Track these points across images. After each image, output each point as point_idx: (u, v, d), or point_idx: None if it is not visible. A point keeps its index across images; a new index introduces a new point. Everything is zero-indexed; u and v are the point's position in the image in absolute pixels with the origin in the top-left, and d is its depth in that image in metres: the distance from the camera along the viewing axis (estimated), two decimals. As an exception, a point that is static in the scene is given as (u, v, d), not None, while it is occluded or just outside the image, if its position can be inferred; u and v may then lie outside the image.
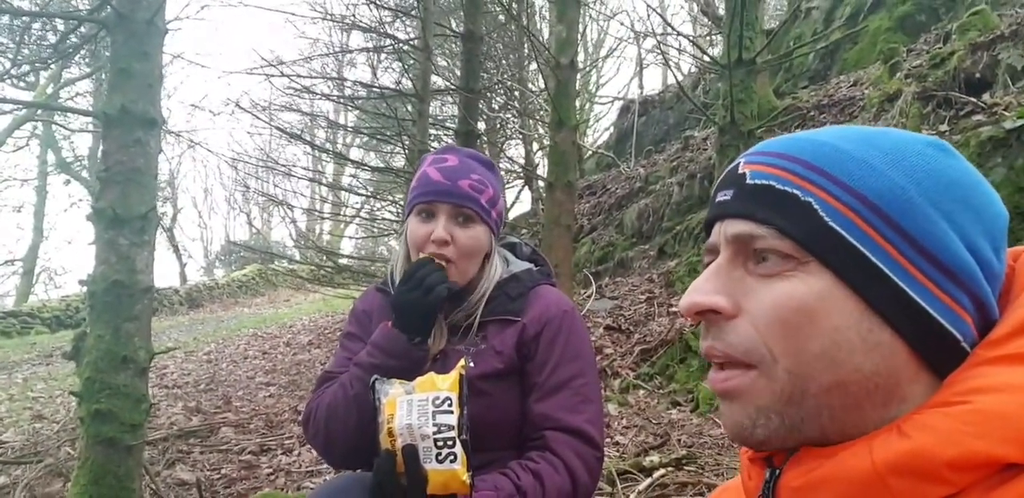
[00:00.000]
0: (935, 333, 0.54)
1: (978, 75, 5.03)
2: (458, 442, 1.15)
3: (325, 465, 3.73)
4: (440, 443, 1.14)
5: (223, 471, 4.11)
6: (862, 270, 0.54)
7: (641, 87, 16.86)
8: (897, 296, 0.54)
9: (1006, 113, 4.10)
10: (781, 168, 0.58)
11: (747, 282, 0.57)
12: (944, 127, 4.57)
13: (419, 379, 1.22)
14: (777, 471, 0.58)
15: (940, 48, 6.08)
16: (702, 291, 0.58)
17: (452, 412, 1.16)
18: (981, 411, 0.48)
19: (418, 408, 1.16)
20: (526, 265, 1.57)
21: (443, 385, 1.19)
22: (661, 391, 4.38)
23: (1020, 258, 0.60)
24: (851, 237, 0.54)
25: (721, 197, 0.61)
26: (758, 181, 0.59)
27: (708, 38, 12.27)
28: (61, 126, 17.88)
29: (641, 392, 4.44)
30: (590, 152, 12.77)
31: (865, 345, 0.54)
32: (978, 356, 0.52)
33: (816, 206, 0.56)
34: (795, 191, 0.57)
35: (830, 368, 0.54)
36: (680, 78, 7.06)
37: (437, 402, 1.17)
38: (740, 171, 0.61)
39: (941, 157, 0.57)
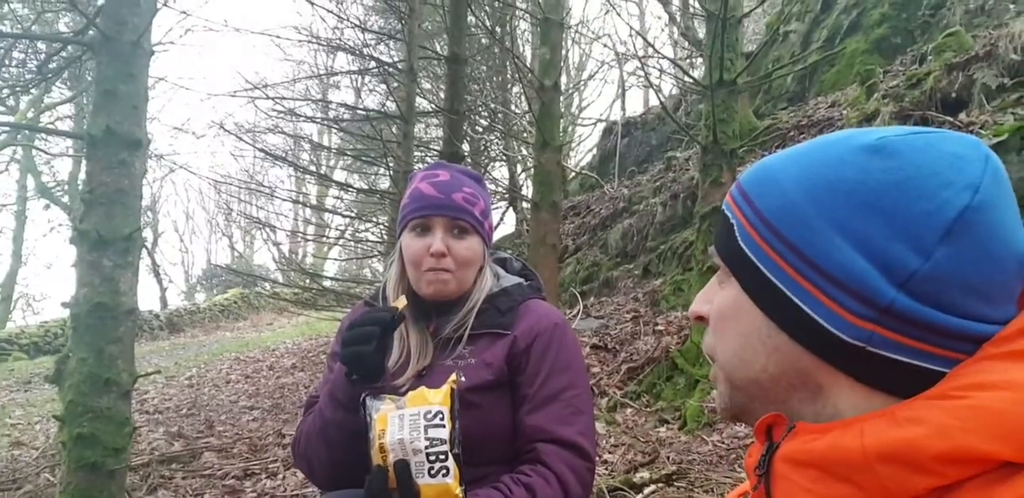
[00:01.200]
0: (825, 337, 0.56)
1: (954, 95, 5.14)
2: (450, 456, 1.14)
3: (311, 489, 3.67)
4: (432, 457, 1.14)
5: (206, 496, 4.03)
6: (759, 283, 0.61)
7: (623, 109, 17.07)
8: (787, 305, 0.58)
9: (982, 131, 4.18)
10: (730, 194, 0.67)
11: (718, 292, 0.68)
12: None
13: (410, 394, 1.22)
14: (775, 445, 0.60)
15: (916, 69, 6.21)
16: (697, 301, 0.70)
17: (444, 426, 1.16)
18: (976, 407, 0.48)
19: (410, 423, 1.16)
20: (516, 279, 1.58)
21: (434, 399, 1.19)
22: (648, 409, 4.37)
23: None
24: (750, 253, 0.61)
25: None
26: (723, 209, 0.68)
27: (688, 61, 12.45)
28: (42, 151, 17.74)
29: (628, 410, 4.43)
30: (574, 173, 12.85)
31: (766, 348, 0.61)
32: (985, 352, 0.52)
33: (735, 227, 0.64)
34: (728, 213, 0.66)
35: (741, 367, 0.64)
36: (663, 99, 7.13)
37: (429, 416, 1.16)
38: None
39: (860, 162, 0.56)
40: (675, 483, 2.64)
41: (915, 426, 0.50)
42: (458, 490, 1.14)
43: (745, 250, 0.62)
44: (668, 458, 3.16)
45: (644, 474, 2.72)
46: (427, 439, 1.14)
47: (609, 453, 3.45)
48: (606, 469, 3.20)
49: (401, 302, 1.31)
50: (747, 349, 0.63)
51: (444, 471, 1.14)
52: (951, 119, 4.82)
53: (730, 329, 0.64)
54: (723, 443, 3.29)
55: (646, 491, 2.53)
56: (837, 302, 0.56)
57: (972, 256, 0.53)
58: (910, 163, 0.56)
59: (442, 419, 1.16)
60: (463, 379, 1.25)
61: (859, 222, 0.55)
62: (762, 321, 0.61)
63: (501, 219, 12.35)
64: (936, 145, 0.56)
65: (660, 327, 5.43)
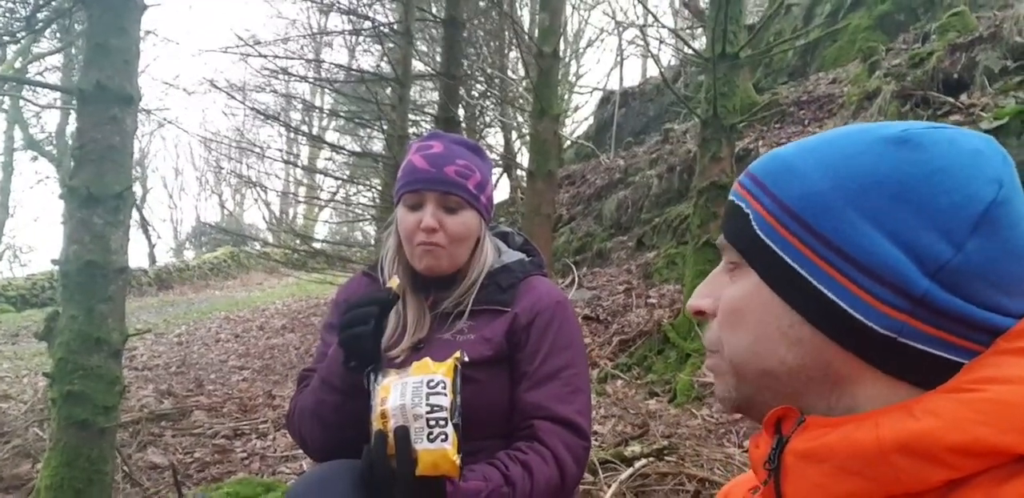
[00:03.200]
0: (857, 329, 0.56)
1: (956, 76, 5.10)
2: (450, 423, 1.15)
3: (301, 450, 3.71)
4: (432, 422, 1.14)
5: (196, 455, 4.07)
6: (782, 273, 0.59)
7: (621, 78, 16.89)
8: (814, 296, 0.57)
9: (983, 114, 4.17)
10: (740, 183, 0.66)
11: (724, 285, 0.66)
12: (922, 126, 4.63)
13: (415, 363, 1.22)
14: (785, 438, 0.59)
15: (919, 48, 6.15)
16: (697, 295, 0.69)
17: (445, 394, 1.16)
18: (992, 400, 0.49)
19: (412, 389, 1.17)
20: (518, 255, 1.56)
21: (438, 370, 1.19)
22: (639, 382, 4.42)
23: None
24: (772, 243, 0.60)
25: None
26: (732, 199, 0.67)
27: (689, 32, 12.28)
28: (29, 101, 17.39)
29: (619, 382, 4.47)
30: (570, 142, 12.77)
31: (786, 340, 0.60)
32: (999, 346, 0.53)
33: (751, 217, 0.62)
34: (740, 204, 0.64)
35: (755, 359, 0.62)
36: (662, 70, 7.05)
37: (431, 384, 1.17)
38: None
39: (890, 153, 0.57)
40: (665, 457, 2.67)
41: (931, 418, 0.50)
42: (455, 457, 1.15)
43: (765, 240, 0.60)
44: (658, 431, 3.20)
45: (635, 448, 2.75)
46: (428, 405, 1.15)
47: (599, 425, 3.50)
48: (597, 441, 3.24)
49: (395, 282, 1.31)
50: (764, 341, 0.61)
51: (443, 437, 1.14)
52: (952, 100, 4.79)
53: (745, 322, 0.63)
54: (712, 418, 3.34)
55: (637, 465, 2.56)
56: (869, 292, 0.55)
57: (997, 249, 0.54)
58: (937, 156, 0.56)
59: (444, 388, 1.17)
60: (466, 359, 1.24)
61: (891, 212, 0.55)
62: (783, 312, 0.60)
63: (495, 186, 12.27)
64: (959, 140, 0.58)
65: (653, 300, 5.46)
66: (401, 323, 1.44)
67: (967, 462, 0.48)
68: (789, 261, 0.59)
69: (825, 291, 0.57)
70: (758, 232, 0.61)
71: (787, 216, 0.59)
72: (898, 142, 0.57)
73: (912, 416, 0.51)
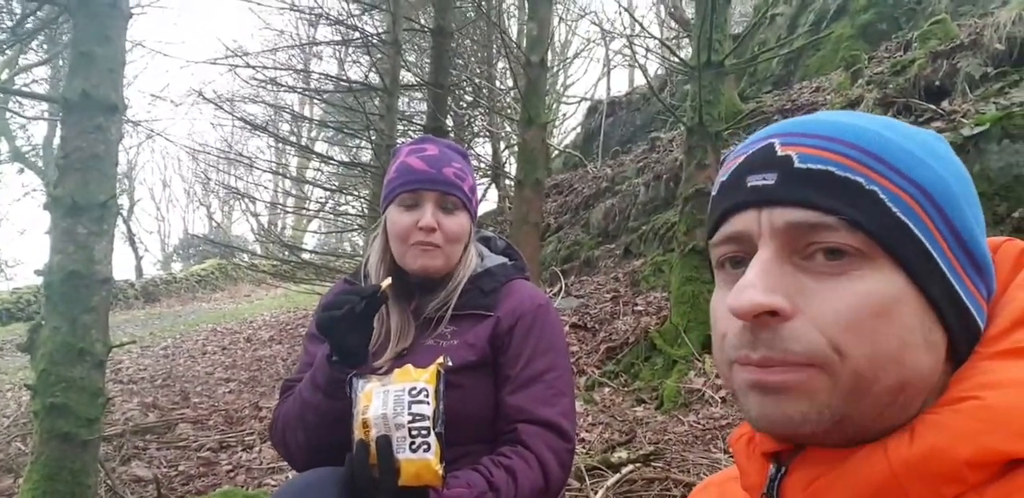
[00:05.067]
0: (971, 330, 0.54)
1: (938, 83, 5.16)
2: (432, 433, 1.14)
3: (287, 463, 3.68)
4: (414, 432, 1.13)
5: (181, 468, 4.02)
6: (927, 267, 0.52)
7: (608, 88, 16.98)
8: (951, 294, 0.52)
9: (964, 120, 4.21)
10: (836, 152, 0.53)
11: (799, 279, 0.53)
12: (904, 133, 4.68)
13: (396, 370, 1.21)
14: (784, 468, 0.57)
15: (901, 56, 6.22)
16: (761, 289, 0.52)
17: (428, 403, 1.15)
18: (990, 407, 0.48)
19: (394, 398, 1.15)
20: (500, 259, 1.56)
21: (420, 377, 1.18)
22: (626, 389, 4.41)
23: (1000, 250, 0.60)
24: (917, 230, 0.52)
25: (757, 181, 0.55)
26: (812, 165, 0.53)
27: (675, 41, 12.38)
28: (16, 113, 17.28)
29: (607, 390, 4.46)
30: (557, 151, 12.81)
31: (926, 344, 0.52)
32: (979, 353, 0.53)
33: (882, 195, 0.52)
34: (858, 179, 0.52)
35: (897, 369, 0.51)
36: (649, 79, 7.10)
37: (413, 392, 1.16)
38: (781, 152, 0.55)
39: (951, 151, 0.58)
40: (652, 463, 2.67)
41: (938, 434, 0.49)
42: (438, 467, 1.14)
43: (909, 224, 0.52)
44: (645, 438, 3.19)
45: (622, 454, 2.75)
46: (410, 414, 1.14)
47: (587, 432, 3.49)
48: (584, 448, 3.23)
49: (386, 282, 1.29)
50: (910, 347, 0.51)
51: (425, 446, 1.13)
52: (934, 107, 4.84)
53: (891, 324, 0.51)
54: (699, 424, 3.33)
55: (623, 471, 2.56)
56: (979, 289, 0.55)
57: None
58: (958, 160, 0.59)
59: (426, 396, 1.16)
60: (450, 363, 1.23)
61: (974, 209, 0.56)
62: (925, 312, 0.52)
63: (483, 196, 12.31)
64: None
65: (639, 307, 5.46)
66: (384, 331, 1.43)
67: (979, 474, 0.47)
68: (933, 252, 0.52)
69: (956, 287, 0.53)
70: (900, 215, 0.52)
71: (926, 200, 0.53)
72: (945, 142, 0.59)
73: (918, 436, 0.49)
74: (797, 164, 0.53)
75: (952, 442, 0.47)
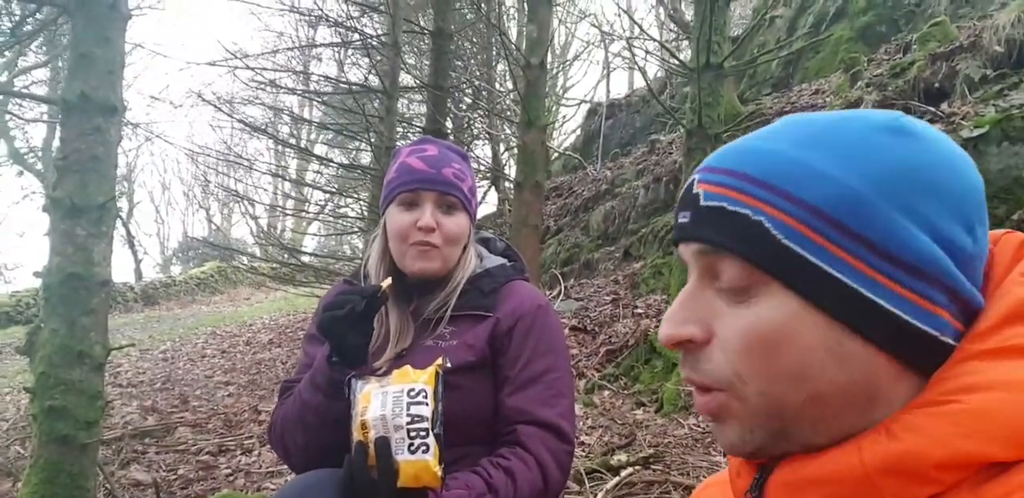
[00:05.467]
0: (908, 334, 0.53)
1: (937, 85, 5.16)
2: (431, 434, 1.13)
3: (286, 466, 3.67)
4: (413, 433, 1.13)
5: (180, 471, 4.01)
6: (822, 284, 0.52)
7: (608, 90, 16.99)
8: (861, 304, 0.52)
9: (963, 122, 4.21)
10: (729, 186, 0.56)
11: (716, 305, 0.57)
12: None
13: (395, 371, 1.21)
14: (768, 469, 0.58)
15: (900, 58, 6.23)
16: (675, 321, 0.57)
17: (426, 404, 1.15)
18: (969, 411, 0.48)
19: (393, 399, 1.15)
20: (499, 260, 1.56)
21: (419, 378, 1.18)
22: (626, 392, 4.40)
23: (1000, 242, 0.59)
24: (806, 252, 0.53)
25: (681, 219, 0.60)
26: (711, 203, 0.57)
27: (675, 44, 12.40)
28: (15, 115, 17.30)
29: (606, 393, 4.45)
30: (557, 154, 12.81)
31: (835, 358, 0.53)
32: (964, 350, 0.51)
33: (767, 225, 0.54)
34: (745, 211, 0.55)
35: (802, 386, 0.53)
36: (648, 81, 7.11)
37: (412, 394, 1.15)
38: (694, 191, 0.59)
39: (898, 143, 0.55)
40: (652, 466, 2.66)
41: (912, 436, 0.49)
42: (437, 468, 1.13)
43: (796, 249, 0.53)
44: (645, 441, 3.19)
45: (621, 456, 2.74)
46: (408, 415, 1.13)
47: (586, 435, 3.48)
48: (583, 451, 3.23)
49: (387, 282, 1.29)
50: (811, 364, 0.53)
51: (424, 448, 1.13)
52: (933, 109, 4.84)
53: (785, 348, 0.53)
54: (699, 426, 3.33)
55: (623, 473, 2.55)
56: (916, 292, 0.53)
57: (987, 234, 0.56)
58: (934, 143, 0.56)
59: (425, 397, 1.15)
60: (449, 365, 1.23)
61: (924, 204, 0.53)
62: (827, 328, 0.53)
63: (483, 198, 12.31)
64: (931, 127, 0.58)
65: (639, 310, 5.46)
66: (383, 332, 1.43)
67: (952, 475, 0.48)
68: (830, 270, 0.52)
69: (873, 297, 0.52)
70: (784, 241, 0.53)
71: (818, 219, 0.53)
72: (896, 131, 0.55)
73: (893, 436, 0.50)
74: (703, 202, 0.57)
75: (926, 445, 0.48)
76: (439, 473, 1.13)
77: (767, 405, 0.54)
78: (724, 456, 2.81)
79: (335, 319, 1.24)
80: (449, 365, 1.24)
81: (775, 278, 0.53)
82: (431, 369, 1.20)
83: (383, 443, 1.12)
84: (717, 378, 0.56)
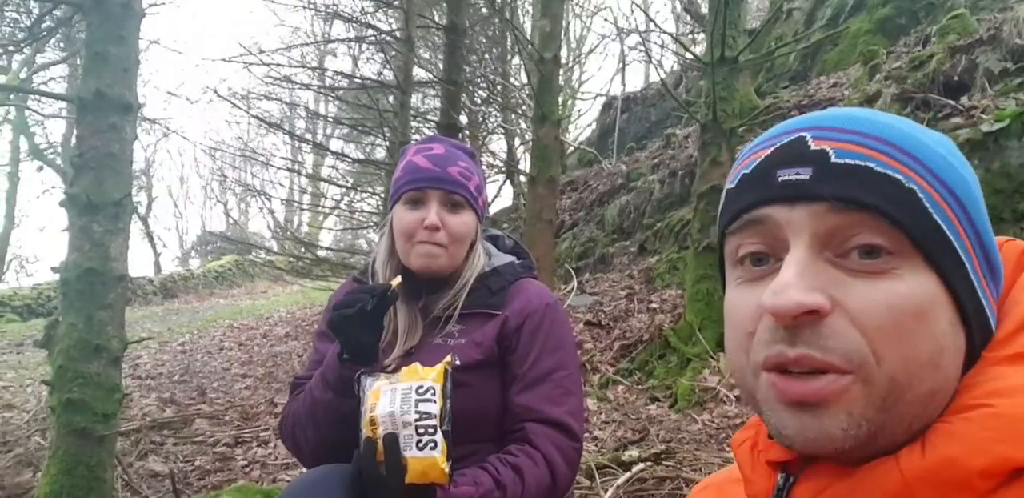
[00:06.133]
0: (987, 332, 0.53)
1: (956, 78, 5.09)
2: (439, 431, 1.14)
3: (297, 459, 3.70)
4: (421, 430, 1.14)
5: (197, 463, 4.06)
6: (956, 268, 0.50)
7: (624, 84, 16.90)
8: (974, 297, 0.51)
9: (983, 116, 4.15)
10: (873, 148, 0.51)
11: (836, 277, 0.50)
12: (922, 129, 4.62)
13: (404, 369, 1.22)
14: (792, 478, 0.56)
15: (920, 51, 6.14)
16: (802, 289, 0.49)
17: (434, 401, 1.16)
18: (1002, 415, 0.47)
19: (401, 396, 1.16)
20: (508, 258, 1.56)
21: (427, 375, 1.19)
22: (640, 387, 4.40)
23: (1001, 250, 0.58)
24: (948, 231, 0.50)
25: (790, 175, 0.53)
26: (850, 160, 0.51)
27: (691, 37, 12.31)
28: (35, 111, 17.52)
29: (620, 387, 4.45)
30: (572, 148, 12.77)
31: (955, 347, 0.50)
32: (987, 358, 0.51)
33: (920, 195, 0.50)
34: (897, 176, 0.50)
35: (932, 375, 0.49)
36: (663, 75, 7.08)
37: (420, 391, 1.16)
38: (815, 147, 0.53)
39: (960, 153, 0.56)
40: (664, 462, 2.66)
41: (949, 444, 0.48)
42: (444, 465, 1.14)
43: (942, 225, 0.50)
44: (658, 436, 3.18)
45: (633, 452, 2.74)
46: (417, 412, 1.14)
47: (600, 430, 3.48)
48: (596, 446, 3.23)
49: (396, 281, 1.30)
50: (943, 351, 0.49)
51: (432, 445, 1.14)
52: (953, 102, 4.77)
53: (928, 328, 0.49)
54: (712, 422, 3.32)
55: (634, 469, 2.55)
56: (991, 291, 0.53)
57: None
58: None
59: (433, 394, 1.16)
60: (458, 362, 1.24)
61: (984, 209, 0.55)
62: (954, 316, 0.51)
63: (498, 193, 12.31)
64: None
65: (654, 305, 5.44)
66: (392, 330, 1.44)
67: (990, 482, 0.47)
68: (962, 255, 0.51)
69: (978, 289, 0.52)
70: (935, 216, 0.50)
71: (955, 202, 0.51)
72: (954, 145, 0.56)
73: (931, 446, 0.48)
74: (835, 159, 0.51)
75: (966, 452, 0.47)
76: (447, 470, 1.14)
77: (891, 393, 0.49)
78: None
79: (345, 317, 1.25)
80: (458, 362, 1.25)
81: (920, 252, 0.50)
82: (440, 366, 1.21)
83: (391, 439, 1.13)
84: (848, 355, 0.49)
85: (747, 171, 0.56)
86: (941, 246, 0.50)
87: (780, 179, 0.53)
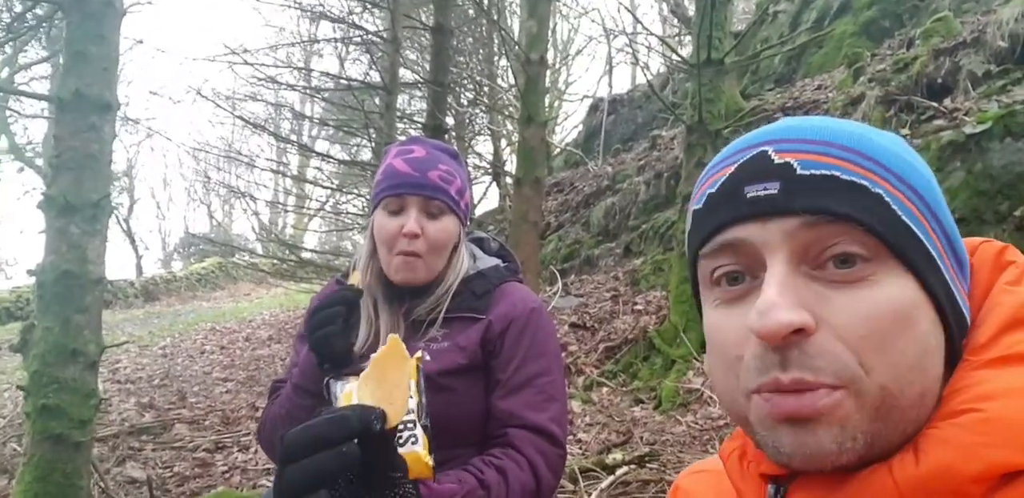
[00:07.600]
0: (963, 328, 0.53)
1: (940, 80, 5.12)
2: (419, 425, 1.12)
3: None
4: (401, 426, 1.11)
5: (176, 469, 4.00)
6: (931, 268, 0.51)
7: (610, 86, 16.94)
8: (949, 294, 0.51)
9: (966, 118, 4.17)
10: (835, 156, 0.51)
11: (817, 291, 0.50)
12: (905, 131, 4.64)
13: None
14: (783, 489, 0.55)
15: (903, 53, 6.18)
16: (785, 307, 0.48)
17: (411, 397, 1.13)
18: (991, 419, 0.46)
19: None
20: (493, 261, 1.54)
21: None
22: (624, 389, 4.39)
23: (977, 251, 0.59)
24: (919, 232, 0.51)
25: (758, 191, 0.52)
26: (816, 171, 0.51)
27: (677, 39, 12.34)
28: (15, 111, 17.31)
29: (605, 389, 4.44)
30: (558, 149, 12.78)
31: (938, 347, 0.50)
32: (971, 362, 0.51)
33: (887, 198, 0.50)
34: (863, 182, 0.50)
35: (920, 377, 0.49)
36: (650, 77, 7.09)
37: None
38: (777, 160, 0.52)
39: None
40: (647, 465, 2.64)
41: (942, 450, 0.47)
42: (427, 458, 1.12)
43: (912, 227, 0.51)
44: (642, 438, 3.17)
45: (617, 455, 2.73)
46: None
47: (584, 432, 3.47)
48: (580, 448, 3.21)
49: (355, 277, 1.30)
50: (928, 352, 0.49)
51: (413, 439, 1.12)
52: (936, 105, 4.80)
53: (912, 331, 0.49)
54: (696, 424, 3.31)
55: (618, 473, 2.53)
56: (963, 286, 0.54)
57: None
58: None
59: (409, 390, 1.14)
60: (428, 358, 1.23)
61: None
62: (933, 315, 0.51)
63: (484, 194, 12.29)
64: None
65: (639, 306, 5.44)
66: (373, 332, 1.41)
67: (983, 487, 0.46)
68: (934, 255, 0.51)
69: (951, 285, 0.52)
70: (904, 218, 0.50)
71: (921, 203, 0.52)
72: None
73: (923, 453, 0.48)
74: (800, 171, 0.51)
75: (958, 458, 0.46)
76: (430, 463, 1.12)
77: (883, 402, 0.48)
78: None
79: (329, 337, 1.26)
80: (428, 358, 1.24)
81: (894, 255, 0.50)
82: (411, 362, 1.19)
83: None
84: (838, 371, 0.48)
85: (712, 190, 0.55)
86: (914, 247, 0.50)
87: (748, 196, 0.52)
